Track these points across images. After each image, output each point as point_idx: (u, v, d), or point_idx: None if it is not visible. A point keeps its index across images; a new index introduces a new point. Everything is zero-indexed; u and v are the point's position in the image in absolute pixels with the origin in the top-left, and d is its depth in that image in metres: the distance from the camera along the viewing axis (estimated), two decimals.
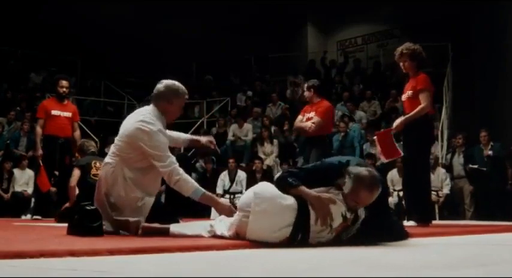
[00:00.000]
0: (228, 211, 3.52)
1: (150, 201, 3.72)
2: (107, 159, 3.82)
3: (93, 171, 6.13)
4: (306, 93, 6.48)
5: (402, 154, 5.38)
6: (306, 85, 6.56)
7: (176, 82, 3.89)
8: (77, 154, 6.96)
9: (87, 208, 3.54)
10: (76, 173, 6.17)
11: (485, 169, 9.22)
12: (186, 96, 3.92)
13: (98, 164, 6.23)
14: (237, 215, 3.18)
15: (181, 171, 3.61)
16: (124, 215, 3.68)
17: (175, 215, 3.80)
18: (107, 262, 2.25)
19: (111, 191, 3.72)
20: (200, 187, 3.65)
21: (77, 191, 6.21)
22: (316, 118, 6.18)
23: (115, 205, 3.71)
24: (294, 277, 1.85)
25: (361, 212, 3.08)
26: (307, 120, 6.29)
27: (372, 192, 3.00)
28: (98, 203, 3.78)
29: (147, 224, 3.54)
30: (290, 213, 2.93)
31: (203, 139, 4.25)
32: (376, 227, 3.28)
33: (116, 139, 3.81)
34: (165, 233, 3.44)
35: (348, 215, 3.00)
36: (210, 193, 3.71)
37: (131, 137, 3.67)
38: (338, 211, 2.97)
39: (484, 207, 9.10)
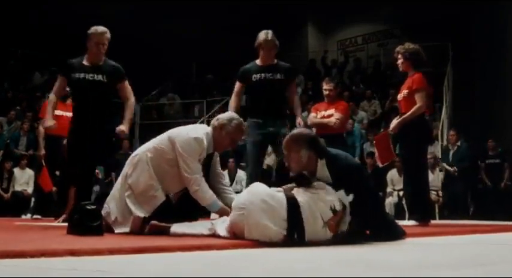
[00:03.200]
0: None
1: (162, 196, 3.74)
2: (141, 147, 3.93)
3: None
4: (333, 92, 6.47)
5: (395, 156, 5.41)
6: (331, 84, 6.53)
7: (233, 114, 4.04)
8: None
9: (87, 207, 3.55)
10: None
11: (452, 169, 9.28)
12: (242, 131, 4.01)
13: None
14: (232, 215, 3.20)
15: (202, 182, 3.69)
16: (135, 199, 3.72)
17: (182, 216, 3.80)
18: (107, 261, 2.25)
19: (131, 173, 3.78)
20: (218, 201, 3.73)
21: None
22: (339, 115, 6.22)
23: (130, 187, 3.76)
24: (293, 277, 1.86)
25: (345, 199, 3.12)
26: (325, 117, 6.31)
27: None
28: (118, 184, 3.89)
29: (156, 223, 3.56)
30: (282, 208, 3.01)
31: None
32: (373, 227, 3.29)
33: (162, 135, 3.92)
34: (167, 231, 3.47)
35: (338, 207, 3.06)
36: (226, 208, 3.74)
37: (173, 135, 3.79)
38: (326, 205, 3.04)
39: (483, 206, 9.12)
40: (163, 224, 3.56)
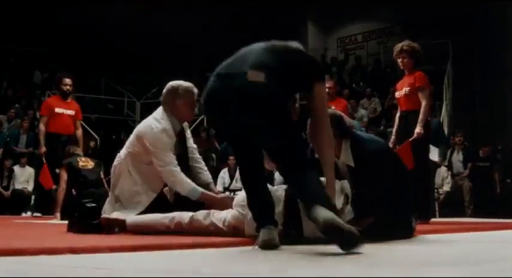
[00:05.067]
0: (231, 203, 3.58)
1: (150, 197, 3.75)
2: (119, 154, 3.95)
3: (81, 163, 6.18)
4: (332, 90, 6.44)
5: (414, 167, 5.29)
6: (331, 82, 6.50)
7: (177, 82, 3.94)
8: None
9: (87, 205, 3.56)
10: (63, 175, 6.24)
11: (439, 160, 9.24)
12: (191, 92, 3.90)
13: (83, 159, 6.32)
14: (232, 213, 3.20)
15: (177, 171, 3.67)
16: (124, 208, 3.74)
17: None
18: (107, 259, 2.25)
19: (116, 183, 3.83)
20: (197, 187, 3.68)
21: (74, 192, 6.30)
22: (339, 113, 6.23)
23: (118, 198, 3.80)
24: (293, 276, 1.86)
25: (347, 190, 3.09)
26: None
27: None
28: (110, 195, 3.92)
29: (106, 216, 3.55)
30: (279, 203, 2.99)
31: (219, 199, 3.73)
32: (386, 225, 3.23)
33: (131, 135, 3.95)
34: (122, 225, 3.45)
35: (338, 206, 3.00)
36: (207, 192, 3.73)
37: (139, 133, 3.80)
38: None
39: (483, 204, 9.11)
40: (114, 217, 3.53)
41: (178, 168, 3.69)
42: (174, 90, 3.88)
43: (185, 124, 4.05)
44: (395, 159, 3.55)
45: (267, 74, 2.57)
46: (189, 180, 3.70)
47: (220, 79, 2.72)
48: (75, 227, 3.56)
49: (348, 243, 2.35)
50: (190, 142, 4.09)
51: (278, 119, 2.58)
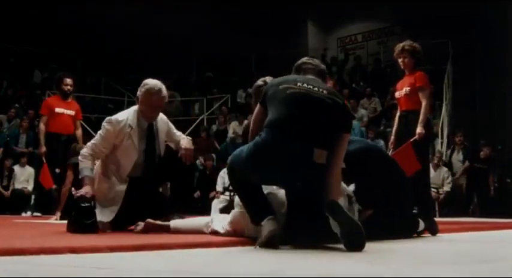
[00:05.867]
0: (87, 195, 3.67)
1: (120, 191, 3.81)
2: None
3: None
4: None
5: (420, 166, 5.28)
6: (331, 81, 6.52)
7: (146, 81, 3.99)
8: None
9: (82, 204, 3.56)
10: (70, 175, 6.23)
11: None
12: (150, 94, 3.90)
13: None
14: (233, 212, 3.20)
15: (86, 156, 3.82)
16: (101, 207, 3.82)
17: (178, 211, 3.82)
18: (107, 258, 2.25)
19: (95, 185, 3.89)
20: (85, 173, 3.78)
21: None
22: None
23: (97, 198, 3.86)
24: (292, 276, 1.86)
25: (347, 190, 3.11)
26: None
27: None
28: None
29: (151, 221, 3.56)
30: (282, 205, 3.00)
31: (181, 150, 3.98)
32: (387, 225, 3.24)
33: None
34: (166, 229, 3.46)
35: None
36: (88, 179, 3.77)
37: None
38: None
39: (482, 204, 9.12)
40: (158, 222, 3.55)
41: (88, 155, 3.83)
42: (140, 88, 3.95)
43: (162, 118, 4.09)
44: (384, 158, 3.61)
45: (328, 150, 2.77)
46: (86, 165, 3.80)
47: (287, 141, 2.75)
48: (71, 226, 3.57)
49: (355, 243, 2.51)
50: (175, 135, 4.17)
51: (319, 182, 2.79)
